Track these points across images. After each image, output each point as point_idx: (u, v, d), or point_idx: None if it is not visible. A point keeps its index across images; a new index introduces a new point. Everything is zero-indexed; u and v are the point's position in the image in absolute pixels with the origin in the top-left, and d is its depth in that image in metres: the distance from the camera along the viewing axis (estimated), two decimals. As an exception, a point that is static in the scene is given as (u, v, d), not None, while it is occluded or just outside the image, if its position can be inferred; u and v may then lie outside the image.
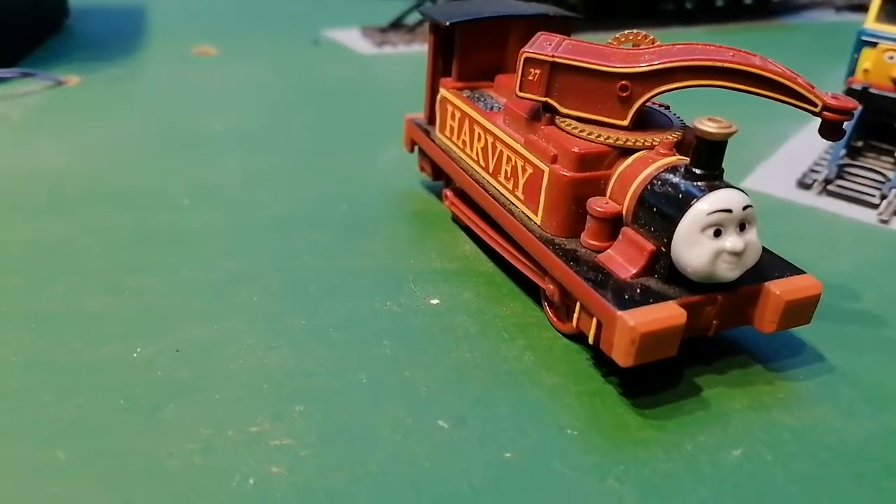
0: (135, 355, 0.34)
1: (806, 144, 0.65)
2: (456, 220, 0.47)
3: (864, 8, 1.28)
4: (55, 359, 0.34)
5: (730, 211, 0.31)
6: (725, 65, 0.33)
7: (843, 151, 0.60)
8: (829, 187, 0.56)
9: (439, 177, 0.49)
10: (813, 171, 0.59)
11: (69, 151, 0.56)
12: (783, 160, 0.62)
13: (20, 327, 0.36)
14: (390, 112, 0.66)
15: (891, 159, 0.60)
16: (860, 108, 0.60)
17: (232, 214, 0.47)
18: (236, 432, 0.30)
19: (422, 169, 0.51)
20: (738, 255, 0.31)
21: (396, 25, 0.96)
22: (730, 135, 0.31)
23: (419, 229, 0.47)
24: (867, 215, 0.53)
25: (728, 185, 0.32)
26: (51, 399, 0.31)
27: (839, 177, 0.57)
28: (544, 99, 0.37)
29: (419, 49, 0.90)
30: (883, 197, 0.54)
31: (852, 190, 0.55)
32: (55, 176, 0.52)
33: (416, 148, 0.51)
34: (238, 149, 0.58)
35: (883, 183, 0.56)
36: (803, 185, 0.57)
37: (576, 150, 0.35)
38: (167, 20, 0.99)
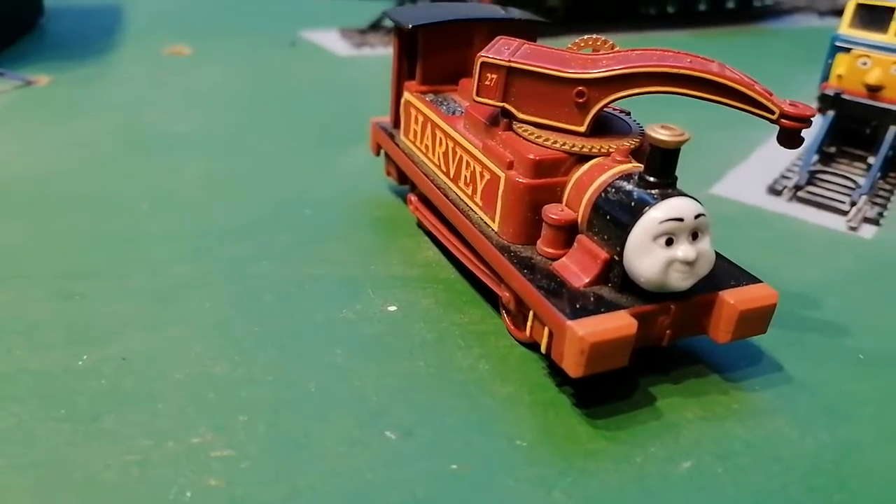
0: (80, 363, 0.34)
1: (778, 150, 0.64)
2: (421, 225, 0.47)
3: (846, 13, 1.28)
4: (-4, 366, 0.33)
5: (682, 220, 0.31)
6: (682, 71, 0.33)
7: (815, 157, 0.60)
8: (800, 194, 0.56)
9: (405, 181, 0.49)
10: (784, 177, 0.59)
11: (30, 153, 0.55)
12: (755, 166, 0.61)
13: (-37, 333, 0.35)
14: (362, 115, 0.65)
15: (863, 165, 0.60)
16: (833, 114, 0.60)
17: (190, 219, 0.46)
18: (177, 443, 0.29)
19: (388, 173, 0.51)
20: (690, 264, 0.31)
21: (375, 27, 0.96)
22: (682, 142, 0.31)
23: (383, 235, 0.47)
24: (837, 222, 0.52)
25: (681, 194, 0.31)
26: (-12, 408, 0.31)
27: (810, 183, 0.57)
28: (501, 104, 0.36)
29: (397, 51, 0.90)
30: (853, 204, 0.53)
31: (822, 196, 0.55)
32: (12, 178, 0.51)
33: (383, 152, 0.50)
34: (203, 152, 0.57)
35: (853, 189, 0.56)
36: (774, 191, 0.56)
37: (532, 156, 0.34)
38: (143, 19, 0.98)
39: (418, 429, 0.31)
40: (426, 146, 0.43)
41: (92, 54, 0.81)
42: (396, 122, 0.48)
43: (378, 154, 0.51)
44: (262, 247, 0.44)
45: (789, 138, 0.33)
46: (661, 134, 0.31)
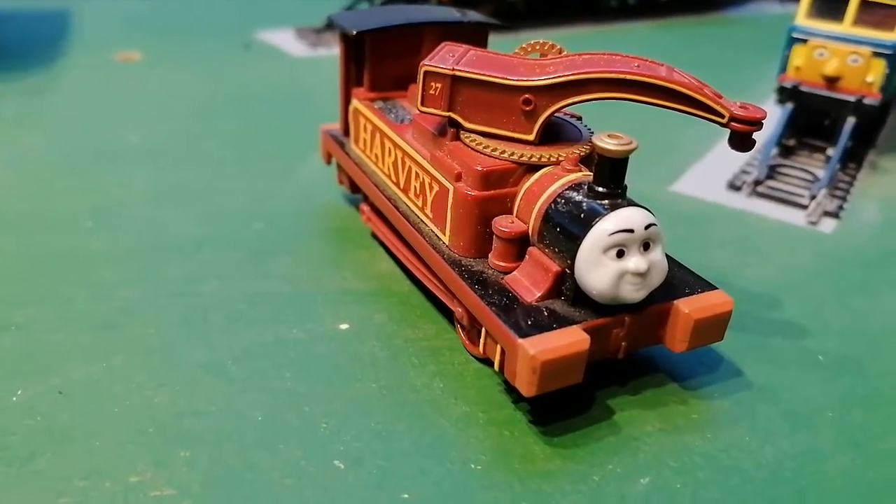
0: (14, 399, 0.32)
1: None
2: (375, 235, 0.45)
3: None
4: (-77, 407, 0.31)
5: (632, 231, 0.30)
6: (629, 77, 0.32)
7: (774, 151, 0.60)
8: (759, 189, 0.55)
9: (357, 190, 0.47)
10: (744, 172, 0.58)
11: (-32, 170, 0.53)
12: (714, 161, 0.61)
13: None
14: (316, 120, 0.63)
15: (823, 157, 0.60)
16: (792, 106, 0.60)
17: (135, 236, 0.45)
18: (114, 483, 0.28)
19: (340, 182, 0.50)
20: (642, 275, 0.30)
21: (332, 26, 0.94)
22: (629, 151, 0.30)
23: (336, 247, 0.45)
24: (797, 217, 0.52)
25: (631, 204, 0.31)
26: (-87, 453, 0.29)
27: (769, 177, 0.57)
28: (447, 114, 0.35)
29: (356, 50, 0.88)
30: (812, 197, 0.53)
31: (782, 191, 0.55)
32: (-51, 199, 0.49)
33: (335, 160, 0.49)
34: (150, 163, 0.55)
35: (813, 183, 0.56)
36: (733, 186, 0.56)
37: (480, 167, 0.33)
38: (92, 25, 0.95)
39: (368, 456, 0.30)
40: (376, 155, 0.42)
41: (39, 63, 0.78)
42: (346, 131, 0.47)
43: (329, 163, 0.50)
44: (212, 264, 0.42)
45: (740, 141, 0.33)
46: (607, 143, 0.30)
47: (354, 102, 0.44)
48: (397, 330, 0.38)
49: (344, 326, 0.38)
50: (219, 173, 0.54)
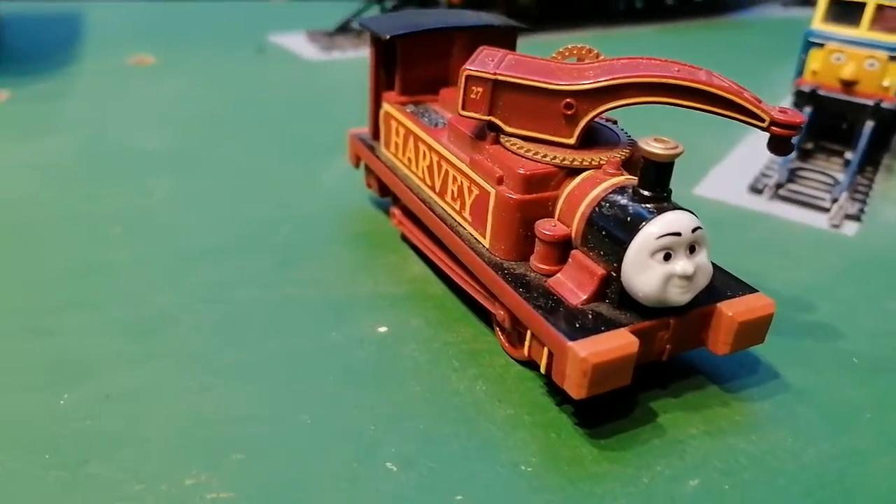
0: (62, 403, 0.32)
1: (757, 147, 0.65)
2: (405, 238, 0.46)
3: (810, 2, 1.30)
4: (-28, 412, 0.31)
5: (679, 234, 0.30)
6: (671, 81, 0.32)
7: (793, 154, 0.60)
8: (781, 192, 0.56)
9: (387, 193, 0.48)
10: (764, 175, 0.59)
11: (-9, 176, 0.53)
12: (735, 164, 0.61)
13: (-66, 377, 0.33)
14: (336, 123, 0.64)
15: (840, 161, 0.61)
16: (810, 110, 0.60)
17: (163, 243, 0.45)
18: (170, 486, 0.28)
19: (369, 185, 0.50)
20: (688, 278, 0.30)
21: (344, 29, 0.94)
22: (676, 155, 0.30)
23: (366, 251, 0.45)
24: (819, 220, 0.52)
25: (677, 207, 0.31)
26: (-34, 458, 0.29)
27: (790, 180, 0.57)
28: (488, 118, 0.35)
29: (367, 53, 0.88)
30: (834, 200, 0.54)
31: (803, 194, 0.55)
32: (-28, 204, 0.49)
33: (363, 163, 0.49)
34: (174, 169, 0.55)
35: (833, 186, 0.56)
36: (755, 189, 0.56)
37: (522, 171, 0.34)
38: (104, 28, 0.95)
39: (419, 459, 0.30)
40: (409, 159, 0.42)
41: (52, 66, 0.78)
42: (376, 134, 0.47)
43: (358, 166, 0.50)
44: (243, 269, 0.42)
45: (780, 145, 0.33)
46: (654, 147, 0.30)
47: (385, 106, 0.44)
48: (435, 333, 0.38)
49: (382, 330, 0.38)
50: (241, 178, 0.54)
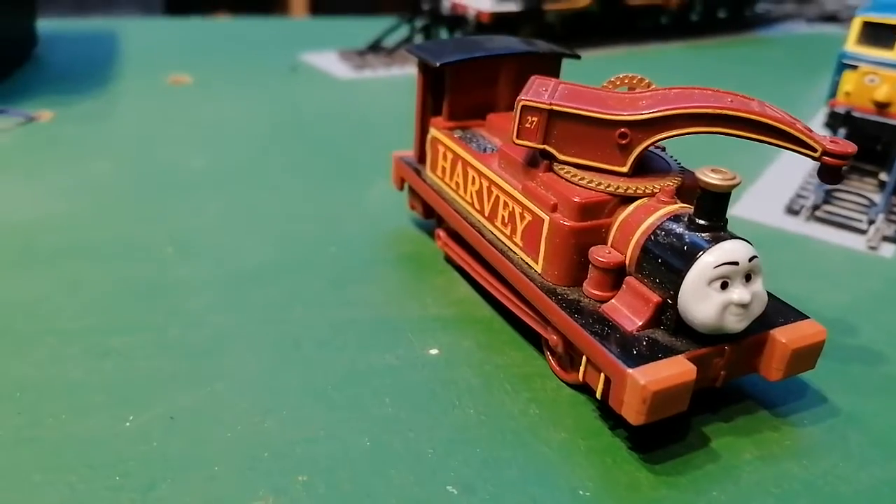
0: (127, 425, 0.33)
1: (790, 167, 0.65)
2: (449, 260, 0.46)
3: (835, 19, 1.30)
4: (42, 433, 0.32)
5: (736, 263, 0.31)
6: (725, 111, 0.33)
7: (828, 175, 0.61)
8: (817, 213, 0.56)
9: (430, 215, 0.48)
10: (800, 196, 0.59)
11: (43, 197, 0.54)
12: (769, 185, 0.62)
13: (3, 397, 0.34)
14: (374, 144, 0.65)
15: (874, 181, 0.61)
16: (844, 131, 0.61)
17: (216, 263, 0.46)
18: (238, 509, 0.29)
19: (412, 207, 0.51)
20: (745, 306, 0.31)
21: (375, 48, 0.95)
22: (734, 186, 0.31)
23: (412, 273, 0.46)
24: (856, 241, 0.53)
25: (733, 236, 0.31)
26: (41, 479, 0.30)
27: (826, 202, 0.58)
28: (542, 146, 0.36)
29: (399, 73, 0.90)
30: (871, 222, 0.54)
31: (840, 216, 0.56)
32: (28, 226, 0.50)
33: (406, 186, 0.50)
34: (218, 189, 0.56)
35: (869, 207, 0.57)
36: (791, 211, 0.57)
37: (577, 199, 0.34)
38: (139, 47, 0.97)
39: (479, 483, 0.31)
40: (457, 183, 0.43)
41: (93, 86, 0.80)
42: (422, 158, 0.48)
43: (402, 189, 0.51)
44: (294, 290, 0.43)
45: (831, 174, 0.34)
46: (712, 178, 0.31)
47: (433, 131, 0.45)
48: (486, 356, 0.38)
49: (434, 352, 0.38)
50: (287, 199, 0.55)
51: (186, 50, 0.97)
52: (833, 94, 0.62)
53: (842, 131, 0.61)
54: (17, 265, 0.45)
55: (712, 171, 0.31)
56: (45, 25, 0.97)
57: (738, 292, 0.31)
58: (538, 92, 0.36)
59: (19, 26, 0.86)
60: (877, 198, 0.57)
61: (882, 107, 0.59)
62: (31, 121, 0.69)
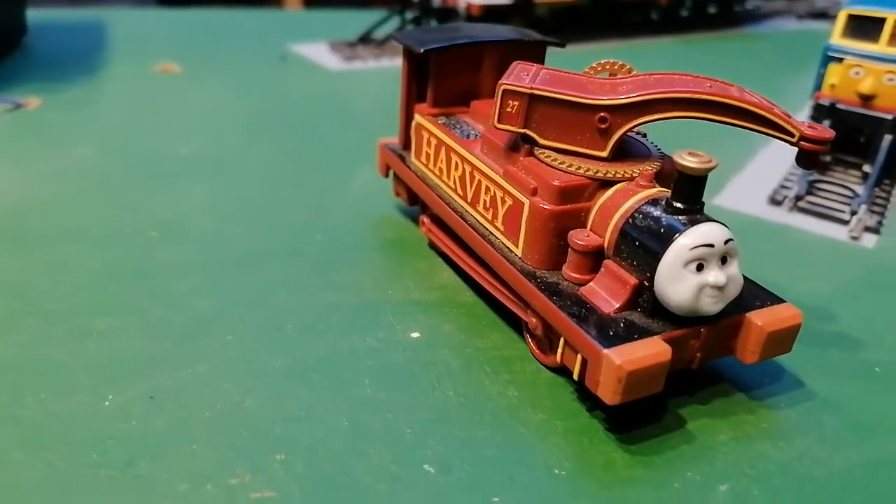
0: (107, 404, 0.33)
1: (774, 157, 0.65)
2: (433, 246, 0.47)
3: (825, 16, 1.31)
4: (22, 412, 0.32)
5: (712, 245, 0.31)
6: (704, 97, 0.33)
7: (812, 166, 0.61)
8: (800, 204, 0.56)
9: (415, 202, 0.49)
10: (783, 186, 0.59)
11: (29, 182, 0.54)
12: (753, 175, 0.62)
13: (-17, 377, 0.34)
14: (361, 132, 0.65)
15: (858, 173, 0.61)
16: (829, 123, 0.61)
17: (201, 248, 0.46)
18: (215, 486, 0.29)
19: (397, 194, 0.51)
20: (720, 289, 0.31)
21: (365, 40, 0.96)
22: (710, 169, 0.31)
23: (396, 258, 0.46)
24: (838, 232, 0.53)
25: (709, 219, 0.32)
26: (20, 456, 0.30)
27: (809, 193, 0.58)
28: (523, 130, 0.36)
29: (389, 64, 0.90)
30: (853, 213, 0.54)
31: (823, 206, 0.56)
32: (14, 210, 0.50)
33: (391, 172, 0.50)
34: (205, 176, 0.56)
35: (852, 198, 0.57)
36: (774, 201, 0.57)
37: (556, 182, 0.35)
38: (129, 36, 0.97)
39: (456, 462, 0.31)
40: (440, 169, 0.43)
41: (81, 73, 0.79)
42: (406, 144, 0.48)
43: (387, 176, 0.51)
44: (278, 275, 0.43)
45: (809, 159, 0.34)
46: (689, 161, 0.31)
47: (417, 118, 0.45)
48: (467, 339, 0.39)
49: (415, 335, 0.39)
50: (273, 185, 0.55)
51: (176, 40, 0.97)
52: (818, 86, 0.62)
53: (826, 123, 0.61)
54: (1, 249, 0.45)
55: (689, 154, 0.31)
56: (36, 15, 0.96)
57: (714, 275, 0.31)
58: (519, 76, 0.36)
59: (8, 15, 0.86)
60: (860, 189, 0.58)
61: (866, 99, 0.60)
62: (18, 107, 0.69)
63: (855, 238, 0.52)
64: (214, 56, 0.89)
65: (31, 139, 0.62)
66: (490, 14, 0.92)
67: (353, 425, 0.33)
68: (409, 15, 0.95)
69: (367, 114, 0.72)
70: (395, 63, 0.89)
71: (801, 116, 0.63)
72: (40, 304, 0.40)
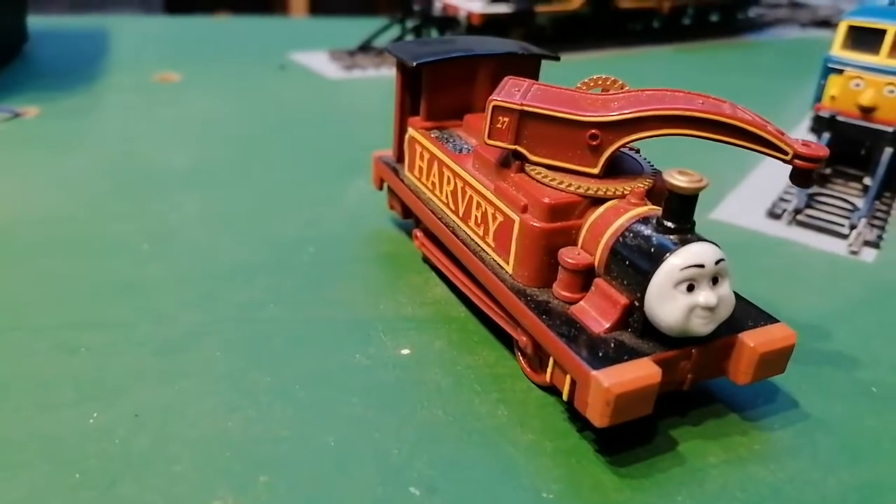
0: (91, 421, 0.33)
1: (773, 171, 0.65)
2: (426, 260, 0.46)
3: (828, 24, 1.30)
4: (4, 430, 0.32)
5: (703, 266, 0.30)
6: (695, 114, 0.33)
7: (811, 179, 0.61)
8: (799, 217, 0.56)
9: (409, 215, 0.48)
10: (782, 199, 0.59)
11: (21, 193, 0.54)
12: (751, 189, 0.62)
13: (-33, 393, 0.34)
14: (358, 143, 0.65)
15: (859, 186, 0.61)
16: (828, 135, 0.61)
17: (192, 261, 0.46)
18: (197, 508, 0.29)
19: (391, 207, 0.50)
20: (711, 309, 0.31)
21: (365, 48, 0.95)
22: (700, 189, 0.31)
23: (389, 272, 0.46)
24: (838, 246, 0.53)
25: (700, 239, 0.31)
26: (1, 476, 0.30)
27: (808, 206, 0.57)
28: (514, 147, 0.36)
29: (388, 73, 0.90)
30: (853, 227, 0.54)
31: (822, 220, 0.56)
32: (5, 221, 0.49)
33: (385, 185, 0.50)
34: (199, 187, 0.56)
35: (852, 212, 0.56)
36: (773, 215, 0.57)
37: (547, 200, 0.34)
38: (128, 44, 0.97)
39: (442, 484, 0.30)
40: (433, 183, 0.43)
41: (80, 83, 0.79)
42: (400, 158, 0.48)
43: (381, 188, 0.51)
44: (269, 289, 0.43)
45: (802, 178, 0.33)
46: (679, 180, 0.31)
47: (410, 131, 0.45)
48: (458, 356, 0.38)
49: (405, 352, 0.38)
50: (267, 197, 0.55)
51: (177, 48, 0.97)
52: (819, 98, 0.62)
53: (826, 135, 0.61)
54: (-10, 260, 0.45)
55: (679, 172, 0.31)
56: (38, 22, 0.97)
57: (705, 295, 0.31)
58: (510, 92, 0.36)
59: (8, 23, 0.86)
60: (860, 202, 0.57)
61: (867, 111, 0.59)
62: (16, 116, 0.69)
63: (854, 252, 0.52)
64: (214, 64, 0.89)
65: (28, 149, 0.62)
66: (491, 23, 0.92)
67: (340, 445, 0.32)
68: (410, 24, 0.95)
69: (365, 124, 0.72)
70: (394, 72, 0.89)
71: (802, 127, 0.62)
72: (27, 317, 0.39)
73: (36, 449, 0.31)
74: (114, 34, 1.01)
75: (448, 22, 0.95)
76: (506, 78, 0.38)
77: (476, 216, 0.39)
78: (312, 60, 0.93)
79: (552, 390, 0.35)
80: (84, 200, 0.53)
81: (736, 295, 0.35)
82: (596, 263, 0.34)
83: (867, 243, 0.53)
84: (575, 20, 1.04)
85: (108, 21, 1.08)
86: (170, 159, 0.61)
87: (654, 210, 0.33)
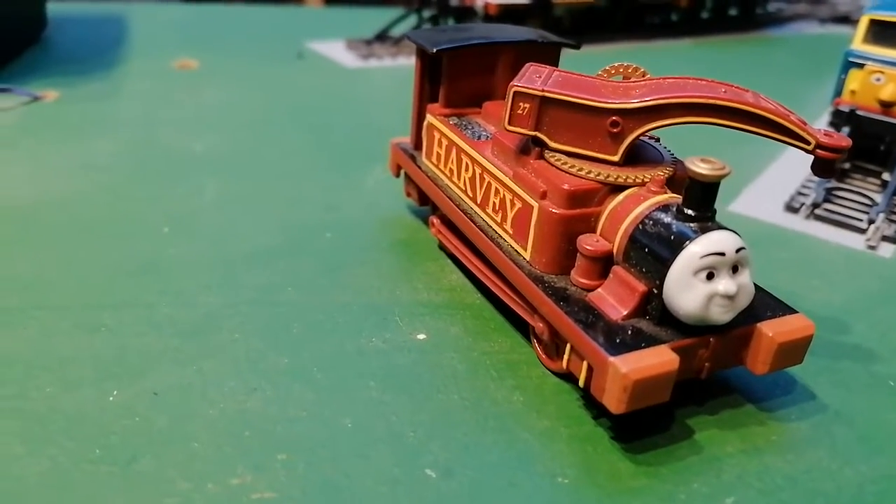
0: (111, 399, 0.33)
1: (792, 164, 0.65)
2: (443, 247, 0.46)
3: (848, 20, 1.29)
4: (27, 405, 0.32)
5: (723, 254, 0.30)
6: (718, 102, 0.33)
7: (830, 174, 0.60)
8: (817, 211, 0.56)
9: (426, 202, 0.49)
10: (800, 193, 0.59)
11: (45, 175, 0.54)
12: (770, 182, 0.61)
13: (-9, 369, 0.34)
14: (375, 130, 0.65)
15: (877, 181, 0.60)
16: (848, 130, 0.60)
17: (211, 245, 0.46)
18: (216, 485, 0.29)
19: (408, 194, 0.51)
20: (731, 298, 0.31)
21: (382, 37, 0.95)
22: (723, 176, 0.31)
23: (405, 258, 0.46)
24: (855, 241, 0.52)
25: (721, 227, 0.31)
26: (23, 451, 0.30)
27: (826, 200, 0.57)
28: (534, 133, 0.36)
29: (405, 62, 0.90)
30: (871, 222, 0.53)
31: (840, 214, 0.55)
32: (27, 203, 0.50)
33: (403, 172, 0.50)
34: (218, 172, 0.57)
35: (870, 207, 0.56)
36: (791, 208, 0.56)
37: (566, 186, 0.34)
38: (148, 31, 0.98)
39: (458, 467, 0.31)
40: (451, 170, 0.43)
41: (99, 68, 0.80)
42: (418, 144, 0.48)
43: (398, 175, 0.51)
44: (287, 273, 0.43)
45: (824, 168, 0.33)
46: (701, 168, 0.30)
47: (429, 118, 0.45)
48: (473, 342, 0.38)
49: (421, 337, 0.38)
50: (286, 182, 0.55)
51: (195, 35, 0.97)
52: (839, 92, 0.61)
53: (845, 130, 0.60)
54: (14, 242, 0.45)
55: (701, 160, 0.31)
56: (57, 8, 0.97)
57: (724, 283, 0.31)
58: (531, 79, 0.36)
59: (29, 8, 0.86)
60: (878, 197, 0.57)
61: (887, 106, 0.58)
62: (36, 100, 0.69)
63: (872, 247, 0.51)
64: (233, 52, 0.90)
65: (48, 133, 0.62)
66: (508, 14, 0.92)
67: (357, 427, 0.32)
68: (427, 13, 0.95)
69: (382, 112, 0.72)
70: (410, 61, 0.89)
71: (822, 122, 0.62)
72: (50, 297, 0.40)
73: (57, 424, 0.31)
74: (132, 21, 1.02)
75: (465, 12, 0.94)
76: (527, 64, 0.38)
77: (494, 203, 0.39)
78: (329, 49, 0.93)
79: (568, 377, 0.36)
80: (104, 183, 0.54)
81: (755, 286, 0.35)
82: (615, 251, 0.34)
83: (885, 238, 0.53)
84: (593, 12, 1.03)
85: (126, 8, 1.09)
86: (189, 144, 0.61)
87: (674, 198, 0.33)
